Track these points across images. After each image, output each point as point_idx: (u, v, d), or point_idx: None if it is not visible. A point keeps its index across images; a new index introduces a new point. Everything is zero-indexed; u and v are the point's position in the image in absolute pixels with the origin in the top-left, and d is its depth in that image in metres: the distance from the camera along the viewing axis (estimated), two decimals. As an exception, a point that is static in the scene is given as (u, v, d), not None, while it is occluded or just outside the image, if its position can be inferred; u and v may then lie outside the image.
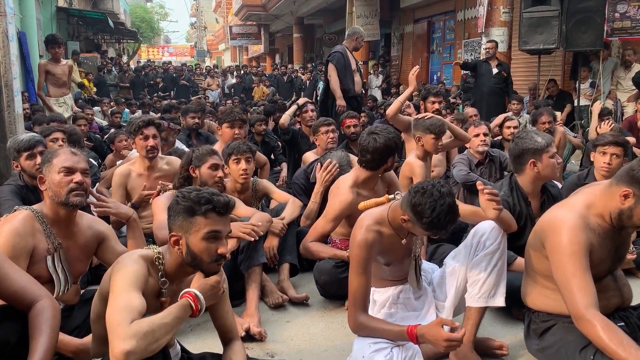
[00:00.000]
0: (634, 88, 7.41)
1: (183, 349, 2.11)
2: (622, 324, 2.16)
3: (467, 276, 2.38)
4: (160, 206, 2.92)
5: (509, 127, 5.18)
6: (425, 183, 2.12)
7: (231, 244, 2.84)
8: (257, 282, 2.94)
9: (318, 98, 10.72)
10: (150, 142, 3.55)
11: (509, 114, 6.45)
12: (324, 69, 6.32)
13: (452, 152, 4.95)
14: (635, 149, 4.45)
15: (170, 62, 21.04)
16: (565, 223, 2.10)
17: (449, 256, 2.52)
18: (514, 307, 2.75)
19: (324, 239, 3.12)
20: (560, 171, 4.06)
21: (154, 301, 1.86)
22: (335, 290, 3.05)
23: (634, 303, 2.36)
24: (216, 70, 19.44)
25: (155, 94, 14.35)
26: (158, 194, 3.15)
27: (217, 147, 4.27)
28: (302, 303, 3.12)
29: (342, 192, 3.01)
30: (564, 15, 7.25)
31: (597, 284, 2.09)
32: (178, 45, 51.21)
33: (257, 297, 2.90)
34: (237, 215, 3.12)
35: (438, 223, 2.05)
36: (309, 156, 4.58)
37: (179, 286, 1.95)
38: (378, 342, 2.21)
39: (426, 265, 2.67)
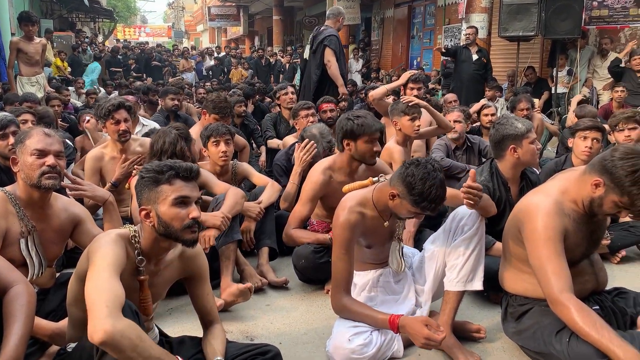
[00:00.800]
0: (610, 76, 7.52)
1: (161, 333, 2.09)
2: (597, 307, 2.20)
3: (445, 260, 2.40)
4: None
5: (486, 115, 5.23)
6: (420, 158, 2.17)
7: (210, 233, 2.82)
8: (231, 259, 2.94)
9: (297, 83, 10.64)
10: (122, 126, 3.43)
11: (485, 100, 6.51)
12: (313, 53, 5.92)
13: (432, 138, 4.96)
14: (609, 136, 4.52)
15: (147, 43, 20.63)
16: (541, 209, 2.13)
17: (428, 240, 2.53)
18: (492, 291, 2.78)
19: (305, 223, 3.12)
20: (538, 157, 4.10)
21: (132, 280, 1.83)
22: (313, 275, 3.05)
23: (608, 287, 2.41)
24: (193, 51, 19.09)
25: (129, 74, 14.08)
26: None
27: (196, 129, 4.23)
28: (281, 287, 3.12)
29: (313, 173, 3.06)
30: (543, 3, 7.30)
31: (574, 268, 2.13)
32: (155, 26, 50.14)
33: (232, 272, 2.90)
34: (214, 192, 3.11)
35: (428, 196, 2.07)
36: (289, 140, 4.55)
37: (158, 266, 1.93)
38: (358, 326, 2.24)
39: (407, 249, 2.69)
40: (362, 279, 2.53)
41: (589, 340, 1.95)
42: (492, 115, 5.19)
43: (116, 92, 9.58)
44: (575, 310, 1.98)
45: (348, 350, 2.19)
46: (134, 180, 3.03)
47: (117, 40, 28.25)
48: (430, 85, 9.63)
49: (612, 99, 6.57)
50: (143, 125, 5.00)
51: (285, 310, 2.86)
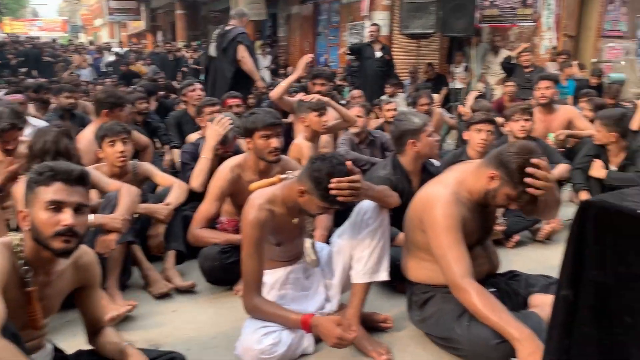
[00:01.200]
0: (502, 72, 8.02)
1: (56, 349, 1.95)
2: (494, 289, 2.32)
3: (352, 253, 2.43)
4: (21, 193, 2.66)
5: (388, 110, 5.38)
6: (326, 152, 2.17)
7: (111, 237, 2.67)
8: (118, 261, 2.81)
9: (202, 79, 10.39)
10: (10, 145, 3.19)
11: (385, 97, 6.72)
12: (224, 51, 5.89)
13: (340, 133, 5.03)
14: (502, 129, 4.81)
15: (38, 38, 19.27)
16: (440, 199, 2.21)
17: (335, 234, 2.56)
18: (397, 281, 2.85)
19: (211, 223, 3.03)
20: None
21: (19, 293, 1.68)
22: (221, 276, 2.97)
23: (503, 270, 2.55)
24: (90, 47, 18.08)
25: (17, 71, 13.10)
26: None
27: (90, 129, 3.98)
28: (188, 291, 3.01)
29: (221, 170, 3.00)
30: (440, 2, 7.64)
31: (469, 253, 2.22)
32: (48, 20, 46.81)
33: (118, 276, 2.80)
34: (106, 192, 2.93)
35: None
36: (193, 137, 4.42)
37: (48, 277, 1.78)
38: (267, 326, 2.22)
39: (316, 244, 2.69)
40: (271, 277, 2.50)
41: (488, 323, 2.05)
42: (395, 110, 5.35)
43: (4, 91, 8.87)
44: (476, 294, 2.08)
45: (257, 350, 2.16)
46: (18, 186, 2.80)
47: (8, 35, 26.11)
48: (338, 82, 9.77)
49: (504, 94, 7.01)
50: (33, 125, 4.64)
51: (192, 315, 2.77)
